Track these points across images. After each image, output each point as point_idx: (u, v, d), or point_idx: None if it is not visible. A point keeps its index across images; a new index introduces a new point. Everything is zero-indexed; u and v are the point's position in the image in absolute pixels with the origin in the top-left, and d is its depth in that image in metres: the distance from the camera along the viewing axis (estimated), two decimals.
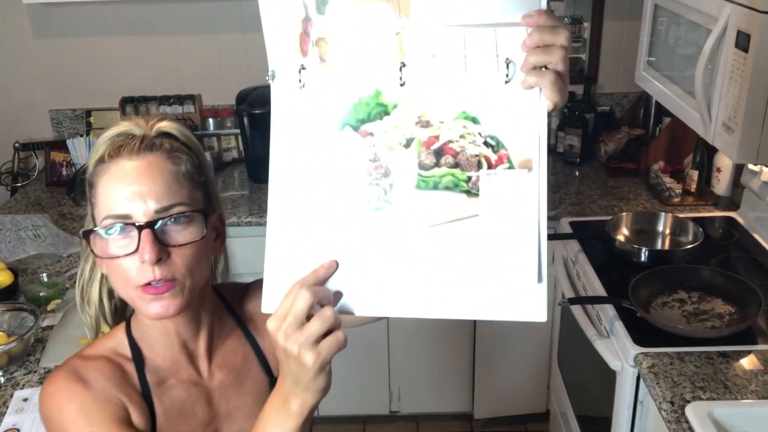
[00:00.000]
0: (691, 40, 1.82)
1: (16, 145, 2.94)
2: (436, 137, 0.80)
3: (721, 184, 2.47)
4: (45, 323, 1.88)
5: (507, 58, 0.78)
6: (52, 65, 2.99)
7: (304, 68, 0.81)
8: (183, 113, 2.98)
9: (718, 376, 1.58)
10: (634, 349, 1.69)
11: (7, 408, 1.59)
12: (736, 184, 2.42)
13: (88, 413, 0.98)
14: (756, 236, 2.18)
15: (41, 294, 1.98)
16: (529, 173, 0.79)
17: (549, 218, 2.51)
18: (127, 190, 0.95)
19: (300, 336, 0.78)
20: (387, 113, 0.80)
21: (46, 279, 2.05)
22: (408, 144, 0.80)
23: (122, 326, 1.10)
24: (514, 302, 0.80)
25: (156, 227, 0.94)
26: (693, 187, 2.49)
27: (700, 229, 2.13)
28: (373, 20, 0.78)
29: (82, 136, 2.86)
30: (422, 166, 0.80)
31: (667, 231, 2.24)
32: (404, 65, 0.79)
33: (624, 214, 2.28)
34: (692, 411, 1.46)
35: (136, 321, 1.08)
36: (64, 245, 2.32)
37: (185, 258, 0.96)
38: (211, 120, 3.00)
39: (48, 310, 1.95)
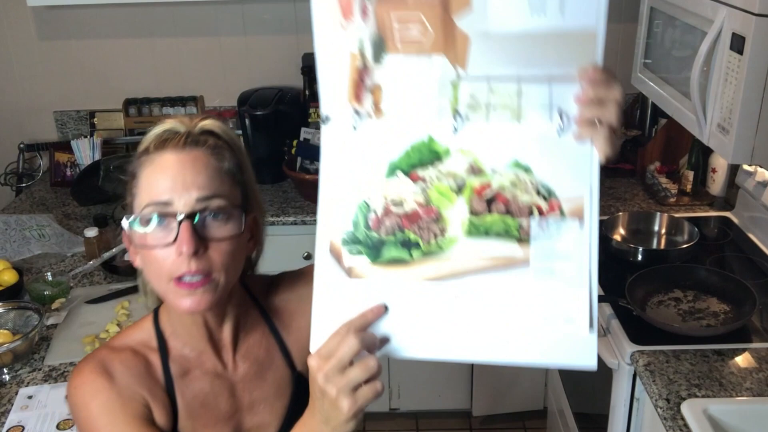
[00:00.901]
0: (687, 43, 1.82)
1: (21, 145, 2.94)
2: (488, 185, 0.80)
3: (716, 185, 2.47)
4: (49, 322, 1.88)
5: (560, 109, 0.79)
6: (57, 67, 2.99)
7: (358, 114, 0.82)
8: (185, 114, 2.98)
9: (714, 373, 1.58)
10: (631, 347, 1.69)
11: (12, 405, 1.59)
12: (731, 184, 2.42)
13: (111, 410, 0.99)
14: (750, 236, 2.18)
15: (46, 293, 1.98)
16: (580, 222, 0.80)
17: None
18: (170, 179, 0.95)
19: (340, 381, 0.78)
20: (439, 160, 0.81)
21: (50, 278, 2.05)
22: (459, 190, 0.81)
23: (150, 316, 1.09)
24: (565, 349, 0.80)
25: (195, 221, 0.93)
26: (688, 187, 2.49)
27: (696, 229, 2.13)
28: (429, 70, 0.79)
29: (86, 137, 2.86)
30: (473, 212, 0.81)
31: (663, 231, 2.24)
32: (458, 113, 0.80)
33: (620, 214, 2.28)
34: (688, 408, 1.46)
35: (165, 311, 1.08)
36: (68, 245, 2.32)
37: (222, 253, 0.95)
38: None
39: (52, 308, 1.95)
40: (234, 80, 2.94)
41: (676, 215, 2.26)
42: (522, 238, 0.81)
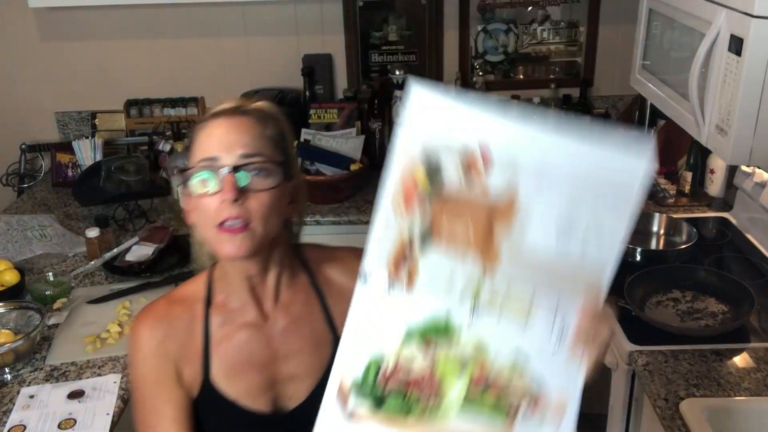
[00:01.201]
0: (686, 44, 1.82)
1: (23, 146, 2.94)
2: (486, 374, 0.90)
3: (714, 186, 2.48)
4: (51, 321, 1.89)
5: (563, 322, 0.89)
6: (59, 68, 2.99)
7: (392, 281, 0.92)
8: (186, 115, 2.98)
9: (712, 373, 1.58)
10: (630, 347, 1.69)
11: (14, 405, 1.59)
12: (730, 185, 2.42)
13: (145, 365, 1.15)
14: (749, 236, 2.18)
15: (47, 293, 1.98)
16: (559, 423, 0.89)
17: None
18: (218, 139, 1.06)
19: None
20: (451, 337, 0.90)
21: (52, 278, 2.05)
22: (462, 371, 0.91)
23: (207, 271, 1.21)
24: None
25: (238, 173, 1.03)
26: (687, 188, 2.49)
27: (694, 230, 2.13)
28: (462, 261, 0.89)
29: (87, 137, 2.86)
30: (468, 397, 0.91)
31: (662, 231, 2.24)
32: (477, 302, 0.90)
33: None
34: (686, 408, 1.46)
35: (218, 267, 1.19)
36: (69, 245, 2.32)
37: (260, 204, 1.04)
38: None
39: (54, 308, 1.95)
40: (235, 81, 2.94)
41: (675, 216, 2.26)
42: (507, 419, 0.90)
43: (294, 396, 1.17)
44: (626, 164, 0.86)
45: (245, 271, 1.13)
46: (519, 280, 0.89)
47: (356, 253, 1.15)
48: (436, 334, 0.91)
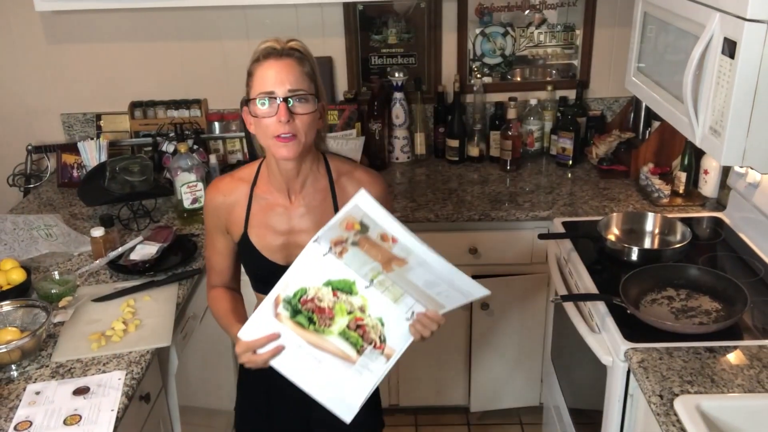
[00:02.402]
0: (680, 47, 1.82)
1: (29, 147, 2.94)
2: (362, 319, 1.44)
3: (708, 186, 2.48)
4: (56, 319, 1.89)
5: (412, 312, 1.45)
6: (64, 71, 2.99)
7: (331, 250, 1.39)
8: (189, 117, 2.98)
9: (706, 370, 1.58)
10: (625, 345, 1.69)
11: (20, 401, 1.59)
12: (723, 185, 2.42)
13: (209, 215, 1.69)
14: (742, 236, 2.18)
15: (53, 291, 1.98)
16: (387, 360, 1.46)
17: (543, 219, 2.53)
18: (273, 78, 1.46)
19: (245, 357, 1.49)
20: (350, 293, 1.42)
21: (57, 277, 2.05)
22: (349, 313, 1.43)
23: (259, 160, 1.66)
24: (340, 401, 1.49)
25: (289, 103, 1.46)
26: (681, 188, 2.49)
27: (688, 229, 2.13)
28: (373, 261, 1.39)
29: (92, 139, 2.86)
30: (348, 327, 1.44)
31: (657, 231, 2.24)
32: (372, 282, 1.42)
33: (615, 214, 2.28)
34: (680, 404, 1.46)
35: (265, 163, 1.63)
36: (75, 244, 2.32)
37: (303, 122, 1.48)
38: (216, 123, 3.00)
39: (59, 306, 1.95)
40: (237, 83, 2.91)
41: (669, 216, 2.26)
42: (359, 350, 1.45)
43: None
44: (471, 287, 1.38)
45: (286, 167, 1.56)
46: (399, 283, 1.41)
47: (370, 176, 1.67)
48: (342, 289, 1.42)
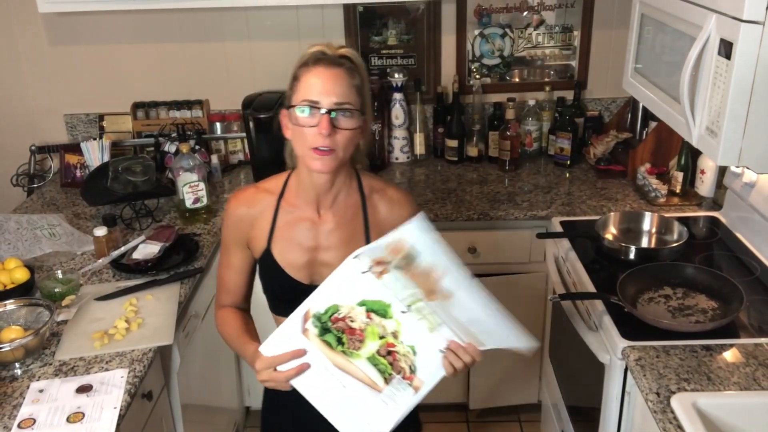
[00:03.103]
0: (677, 48, 1.82)
1: (32, 147, 2.94)
2: (393, 346, 1.33)
3: (704, 186, 2.48)
4: (60, 318, 1.88)
5: (446, 343, 1.33)
6: (67, 72, 2.99)
7: (371, 269, 1.30)
8: (191, 117, 2.98)
9: (702, 368, 1.58)
10: (622, 343, 1.69)
11: (24, 399, 1.59)
12: (719, 185, 2.42)
13: (230, 228, 1.58)
14: (738, 235, 2.18)
15: (56, 290, 1.98)
16: (415, 392, 1.34)
17: (541, 218, 2.52)
18: (320, 86, 1.37)
19: (265, 375, 1.37)
20: (384, 317, 1.32)
21: (61, 276, 2.05)
22: (381, 337, 1.33)
23: (287, 173, 1.56)
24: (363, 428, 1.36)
25: (332, 114, 1.36)
26: (678, 188, 2.49)
27: (685, 228, 2.13)
28: (413, 287, 1.32)
29: (95, 139, 2.85)
30: (378, 352, 1.33)
31: (654, 230, 2.24)
32: (410, 307, 1.32)
33: (612, 213, 2.28)
34: (677, 402, 1.46)
35: (295, 173, 1.53)
36: (78, 243, 2.32)
37: (344, 137, 1.39)
38: (218, 124, 3.00)
39: (63, 305, 1.95)
40: (238, 84, 2.94)
41: (666, 215, 2.26)
42: (386, 379, 1.33)
43: (324, 276, 1.43)
44: (518, 337, 1.32)
45: (318, 180, 1.47)
46: (438, 313, 1.31)
47: (402, 195, 1.58)
48: (377, 310, 1.32)
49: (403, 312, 1.31)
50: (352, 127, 1.39)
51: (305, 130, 1.38)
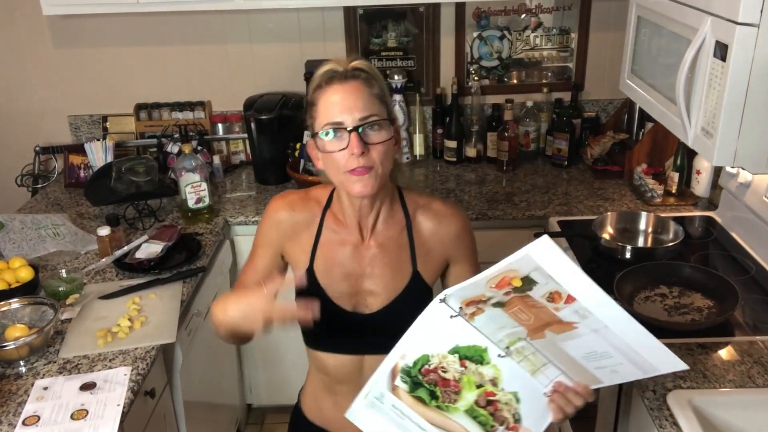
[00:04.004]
0: (673, 50, 1.82)
1: (37, 148, 2.94)
2: (494, 395, 1.17)
3: (700, 186, 2.48)
4: (64, 316, 1.88)
5: (553, 386, 1.17)
6: (71, 73, 2.99)
7: (461, 311, 1.14)
8: (194, 118, 2.98)
9: (698, 366, 1.58)
10: None
11: (28, 396, 1.59)
12: (715, 185, 2.42)
13: (266, 227, 1.43)
14: (733, 234, 2.18)
15: (60, 289, 1.98)
16: None
17: (539, 218, 2.51)
18: (340, 105, 1.25)
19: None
20: (481, 363, 1.16)
21: (65, 275, 2.05)
22: (479, 387, 1.17)
23: (331, 186, 1.41)
24: None
25: (360, 130, 1.24)
26: (674, 188, 2.49)
27: (681, 228, 2.13)
28: (513, 323, 1.13)
29: (98, 140, 2.85)
30: (476, 403, 1.17)
31: (650, 229, 2.24)
32: (509, 350, 1.15)
33: (609, 213, 2.28)
34: (673, 399, 1.46)
35: (337, 193, 1.40)
36: (81, 243, 2.32)
37: (378, 152, 1.26)
38: (220, 125, 3.00)
39: (67, 304, 1.95)
40: (240, 86, 2.94)
41: (662, 215, 2.26)
42: (489, 431, 1.18)
43: (370, 306, 1.40)
44: (665, 360, 1.11)
45: (358, 205, 1.35)
46: (543, 352, 1.14)
47: (450, 208, 1.44)
48: (471, 357, 1.16)
49: (500, 356, 1.15)
50: (385, 139, 1.27)
51: (336, 156, 1.26)
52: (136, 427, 1.68)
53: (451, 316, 1.14)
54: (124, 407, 1.55)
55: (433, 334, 1.16)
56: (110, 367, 1.68)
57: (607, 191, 2.62)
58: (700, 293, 1.86)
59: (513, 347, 1.14)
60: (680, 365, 1.09)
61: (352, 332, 1.42)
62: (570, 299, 1.04)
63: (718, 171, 2.38)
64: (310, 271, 1.39)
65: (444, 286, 1.44)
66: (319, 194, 1.44)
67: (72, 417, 1.52)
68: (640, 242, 2.22)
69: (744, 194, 2.12)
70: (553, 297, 1.05)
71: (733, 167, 2.17)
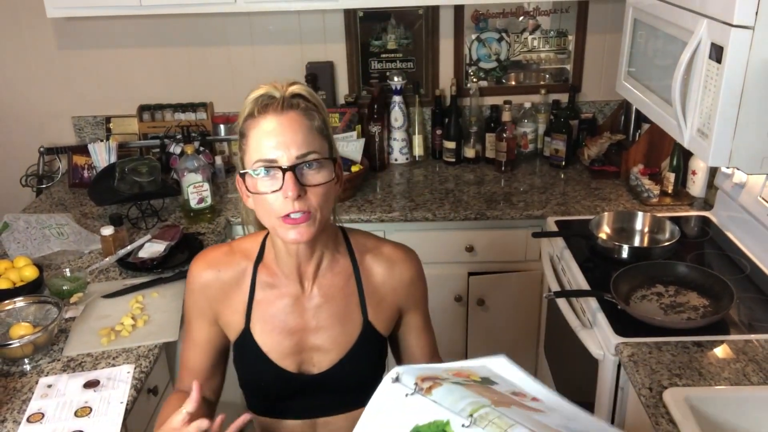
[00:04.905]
0: (668, 52, 1.82)
1: (41, 149, 2.94)
2: None
3: (696, 186, 2.48)
4: (68, 315, 1.88)
5: None
6: (75, 75, 2.99)
7: (416, 388, 0.99)
8: (196, 120, 2.98)
9: (694, 364, 1.58)
10: (615, 339, 1.68)
11: (33, 394, 1.59)
12: (710, 185, 2.42)
13: (192, 295, 1.26)
14: (729, 234, 2.18)
15: (64, 288, 1.98)
16: None
17: (537, 218, 2.51)
18: (274, 140, 1.08)
19: None
20: None
21: (68, 274, 2.05)
22: None
23: (263, 234, 1.27)
24: None
25: (296, 170, 1.08)
26: (670, 188, 2.49)
27: (677, 228, 2.13)
28: (476, 396, 0.99)
29: (102, 141, 2.85)
30: None
31: (646, 229, 2.24)
32: (472, 418, 0.98)
33: (606, 213, 2.28)
34: (669, 396, 1.46)
35: (270, 238, 1.23)
36: (85, 242, 2.32)
37: (318, 195, 1.10)
38: (221, 126, 3.00)
39: (71, 302, 1.95)
40: (242, 87, 2.91)
41: (658, 215, 2.26)
42: None
43: (318, 364, 1.25)
44: None
45: (295, 252, 1.19)
46: (509, 415, 0.98)
47: (401, 253, 1.29)
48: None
49: (465, 426, 1.01)
50: (325, 181, 1.11)
51: (268, 198, 1.09)
52: (139, 424, 1.68)
53: (407, 395, 1.01)
54: (127, 405, 1.55)
55: (388, 418, 1.03)
56: (113, 365, 1.68)
57: (603, 191, 2.62)
58: (695, 292, 1.86)
59: (477, 414, 1.00)
60: None
61: (301, 395, 1.28)
62: (535, 399, 0.97)
63: (713, 171, 2.38)
64: (247, 334, 1.24)
65: (395, 338, 1.36)
66: (246, 246, 1.27)
67: (76, 414, 1.52)
68: (637, 242, 2.22)
69: (739, 194, 2.12)
70: (516, 393, 0.98)
71: (728, 168, 2.17)
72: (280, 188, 1.08)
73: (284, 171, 1.07)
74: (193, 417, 1.10)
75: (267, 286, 1.24)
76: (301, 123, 1.10)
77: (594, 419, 0.98)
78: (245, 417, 1.10)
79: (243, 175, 1.13)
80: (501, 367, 0.94)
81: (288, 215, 1.09)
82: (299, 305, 1.24)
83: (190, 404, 1.05)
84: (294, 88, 1.14)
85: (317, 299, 1.24)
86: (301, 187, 1.08)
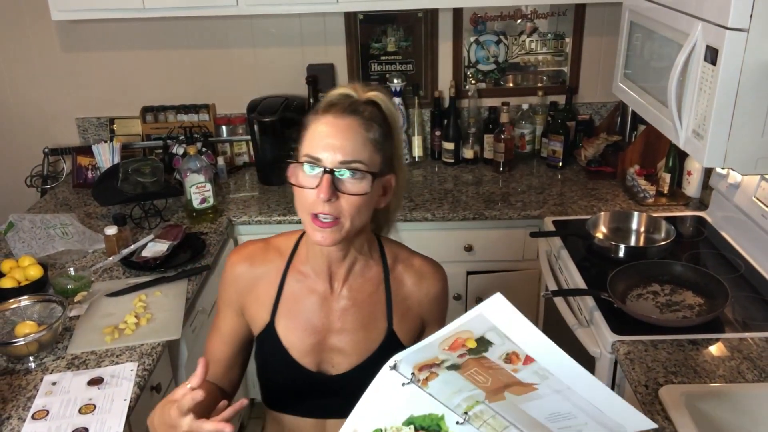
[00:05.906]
0: (664, 54, 1.82)
1: (46, 150, 2.93)
2: None
3: (691, 186, 2.48)
4: (72, 313, 1.88)
5: None
6: (79, 77, 2.99)
7: (413, 377, 1.00)
8: (198, 121, 2.98)
9: (689, 362, 1.58)
10: (612, 337, 1.69)
11: (38, 391, 1.59)
12: (705, 186, 2.42)
13: (226, 285, 1.29)
14: (723, 234, 2.18)
15: (69, 286, 1.98)
16: None
17: (534, 218, 2.51)
18: (326, 140, 1.10)
19: None
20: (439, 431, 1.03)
21: (73, 273, 2.05)
22: None
23: (299, 232, 1.28)
24: None
25: (335, 174, 1.09)
26: (666, 188, 2.49)
27: (672, 228, 2.13)
28: (471, 389, 1.00)
29: (106, 142, 2.85)
30: None
31: (642, 229, 2.24)
32: (467, 415, 1.02)
33: (602, 213, 2.28)
34: (665, 393, 1.46)
35: (306, 236, 1.25)
36: (89, 242, 2.31)
37: (350, 205, 1.11)
38: (224, 127, 3.00)
39: (75, 301, 1.95)
40: (243, 89, 2.94)
41: (654, 215, 2.26)
42: None
43: (337, 366, 1.25)
44: (632, 419, 0.96)
45: (327, 252, 1.20)
46: (504, 414, 1.02)
47: (431, 267, 1.29)
48: (428, 428, 1.04)
49: (459, 423, 1.04)
50: (360, 192, 1.11)
51: (305, 192, 1.11)
52: (143, 421, 1.67)
53: (404, 384, 1.02)
54: (130, 402, 1.55)
55: (384, 405, 1.04)
56: (117, 363, 1.68)
57: (600, 192, 2.62)
58: (691, 291, 1.86)
59: (471, 412, 1.03)
60: (648, 424, 0.98)
61: (315, 394, 1.29)
62: (528, 360, 0.94)
63: (708, 172, 2.38)
64: (271, 328, 1.25)
65: None
66: (281, 244, 1.29)
67: (80, 411, 1.52)
68: (633, 241, 2.22)
69: (734, 195, 2.12)
70: (510, 358, 0.96)
71: (723, 168, 2.18)
72: (317, 186, 1.09)
73: (325, 172, 1.09)
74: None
75: (297, 281, 1.25)
76: (356, 131, 1.11)
77: (590, 378, 0.98)
78: (242, 402, 1.09)
79: (294, 164, 1.15)
80: (497, 311, 0.90)
81: (317, 216, 1.11)
82: (326, 305, 1.25)
83: (195, 379, 1.05)
84: (370, 95, 1.16)
85: (345, 301, 1.25)
86: (335, 192, 1.10)
